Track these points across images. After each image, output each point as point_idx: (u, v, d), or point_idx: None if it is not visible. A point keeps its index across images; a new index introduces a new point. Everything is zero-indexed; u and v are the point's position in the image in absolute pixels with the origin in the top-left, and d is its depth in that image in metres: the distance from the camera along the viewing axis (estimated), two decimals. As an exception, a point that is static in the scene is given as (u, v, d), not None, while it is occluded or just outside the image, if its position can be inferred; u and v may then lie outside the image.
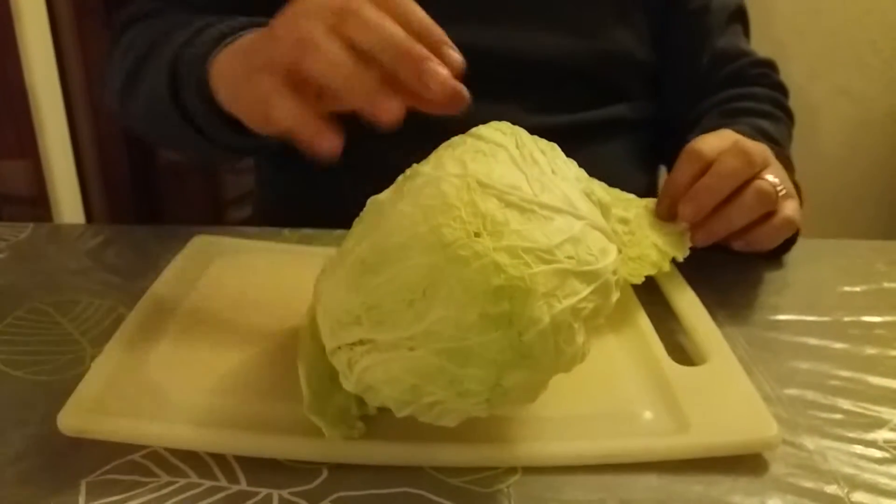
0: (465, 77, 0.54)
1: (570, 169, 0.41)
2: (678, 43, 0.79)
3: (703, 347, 0.48)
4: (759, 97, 0.77)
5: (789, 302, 0.57)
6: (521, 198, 0.37)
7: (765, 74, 0.80)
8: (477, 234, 0.35)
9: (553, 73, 0.73)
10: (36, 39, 1.67)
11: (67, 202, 1.78)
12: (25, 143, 1.70)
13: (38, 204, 1.74)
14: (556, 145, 0.43)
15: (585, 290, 0.36)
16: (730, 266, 0.63)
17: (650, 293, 0.55)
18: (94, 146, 1.88)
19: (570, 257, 0.36)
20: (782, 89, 0.80)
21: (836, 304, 0.57)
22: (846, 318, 0.55)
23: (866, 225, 1.73)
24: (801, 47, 1.58)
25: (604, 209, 0.41)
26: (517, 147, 0.40)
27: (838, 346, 0.52)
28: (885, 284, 0.60)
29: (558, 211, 0.37)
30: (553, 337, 0.35)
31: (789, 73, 0.80)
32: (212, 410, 0.42)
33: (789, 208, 0.57)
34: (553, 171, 0.39)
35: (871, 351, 0.51)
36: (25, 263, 0.62)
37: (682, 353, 0.49)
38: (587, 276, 0.36)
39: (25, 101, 1.68)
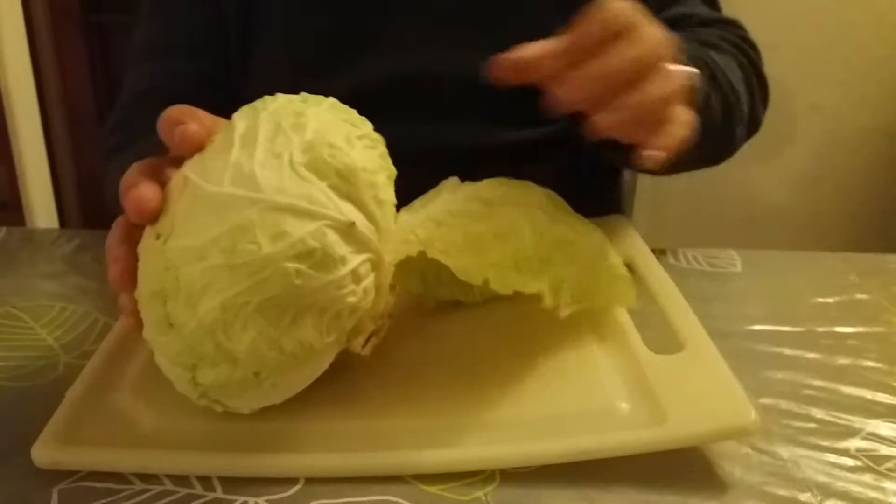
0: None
1: (306, 134, 0.37)
2: None
3: (679, 335, 0.47)
4: (710, 34, 0.69)
5: (764, 313, 0.58)
6: (208, 190, 0.35)
7: (723, 29, 0.72)
8: (158, 237, 0.36)
9: (499, 93, 0.72)
10: (11, 43, 1.65)
11: (41, 207, 1.76)
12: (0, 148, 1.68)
13: (11, 208, 1.72)
14: (325, 100, 0.40)
15: (239, 286, 0.34)
16: (706, 278, 0.63)
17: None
18: (68, 151, 1.86)
19: (224, 251, 0.34)
20: (749, 43, 0.72)
21: (809, 314, 0.58)
22: (819, 329, 0.56)
23: (839, 237, 1.76)
24: (774, 64, 1.59)
25: (349, 172, 0.37)
26: (248, 126, 0.38)
27: (812, 356, 0.52)
28: (858, 296, 0.61)
29: (234, 198, 0.35)
30: (209, 336, 0.35)
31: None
32: (184, 433, 0.41)
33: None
34: (271, 147, 0.36)
35: (843, 361, 0.52)
36: (-2, 268, 0.61)
37: (659, 341, 0.48)
38: (242, 269, 0.34)
39: (0, 105, 1.66)
